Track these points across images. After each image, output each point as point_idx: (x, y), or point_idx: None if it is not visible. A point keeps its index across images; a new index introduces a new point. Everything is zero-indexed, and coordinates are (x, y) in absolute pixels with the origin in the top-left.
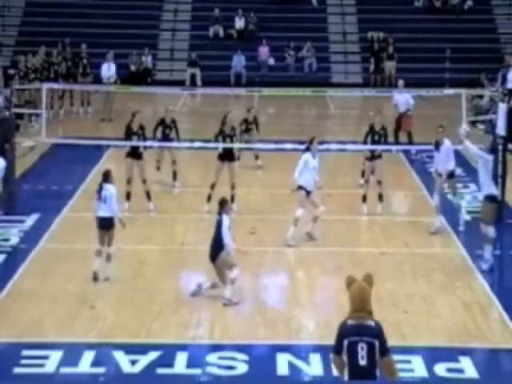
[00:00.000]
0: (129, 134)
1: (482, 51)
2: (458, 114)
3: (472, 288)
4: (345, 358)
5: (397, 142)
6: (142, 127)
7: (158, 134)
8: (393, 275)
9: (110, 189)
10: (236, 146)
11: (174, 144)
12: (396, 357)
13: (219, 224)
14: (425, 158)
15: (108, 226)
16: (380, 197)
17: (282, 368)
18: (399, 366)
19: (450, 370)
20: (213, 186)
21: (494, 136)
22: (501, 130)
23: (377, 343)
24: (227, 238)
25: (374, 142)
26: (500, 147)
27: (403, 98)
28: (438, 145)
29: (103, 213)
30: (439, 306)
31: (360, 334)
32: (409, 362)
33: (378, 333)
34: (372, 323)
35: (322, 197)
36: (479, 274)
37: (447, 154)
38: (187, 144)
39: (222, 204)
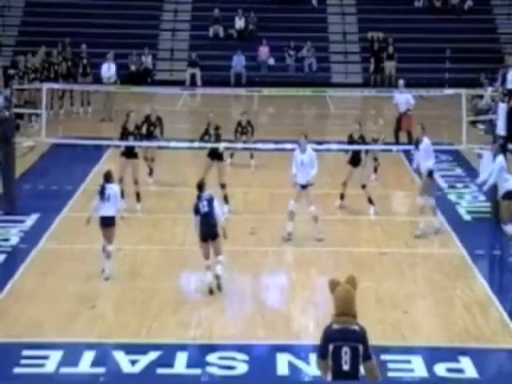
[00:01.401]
0: (125, 134)
1: (482, 51)
2: (458, 114)
3: (472, 288)
4: (329, 362)
5: (397, 142)
6: (137, 127)
7: (143, 130)
8: (393, 275)
9: (113, 187)
10: (236, 146)
11: (174, 144)
12: (396, 357)
13: (210, 203)
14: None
15: (109, 224)
16: (370, 200)
17: (282, 368)
18: (399, 365)
19: (449, 370)
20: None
21: (495, 136)
22: (501, 130)
23: (361, 348)
24: (221, 216)
25: (354, 152)
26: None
27: (403, 98)
28: (417, 143)
29: (105, 212)
30: (439, 306)
31: (344, 338)
32: (409, 362)
33: (362, 337)
34: (356, 328)
35: (322, 196)
36: (479, 274)
37: (426, 151)
38: (187, 144)
39: (202, 186)
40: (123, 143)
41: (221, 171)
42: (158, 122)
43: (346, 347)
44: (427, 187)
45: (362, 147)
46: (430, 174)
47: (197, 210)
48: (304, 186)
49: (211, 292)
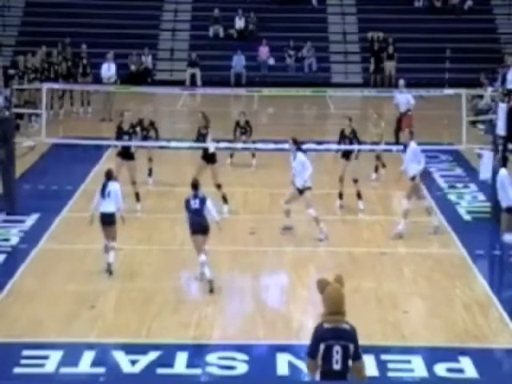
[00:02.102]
0: (119, 134)
1: (482, 51)
2: (458, 114)
3: (472, 288)
4: (319, 361)
5: (397, 142)
6: (132, 126)
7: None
8: (393, 275)
9: (114, 185)
10: (236, 146)
11: (174, 144)
12: (396, 357)
13: (203, 202)
14: (425, 157)
15: (110, 221)
16: (358, 195)
17: (282, 368)
18: (399, 365)
19: (449, 370)
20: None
21: (495, 136)
22: (501, 130)
23: (351, 347)
24: (216, 214)
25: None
26: (500, 147)
27: (404, 98)
28: (405, 147)
29: (105, 208)
30: (439, 306)
31: (336, 337)
32: (409, 362)
33: (353, 337)
34: (347, 327)
35: (322, 196)
36: (479, 274)
37: (414, 154)
38: (187, 144)
39: (196, 185)
40: (123, 143)
41: (214, 173)
42: (150, 126)
43: (337, 346)
44: (415, 190)
45: (355, 147)
46: (421, 176)
47: (188, 206)
48: (301, 191)
49: (211, 289)
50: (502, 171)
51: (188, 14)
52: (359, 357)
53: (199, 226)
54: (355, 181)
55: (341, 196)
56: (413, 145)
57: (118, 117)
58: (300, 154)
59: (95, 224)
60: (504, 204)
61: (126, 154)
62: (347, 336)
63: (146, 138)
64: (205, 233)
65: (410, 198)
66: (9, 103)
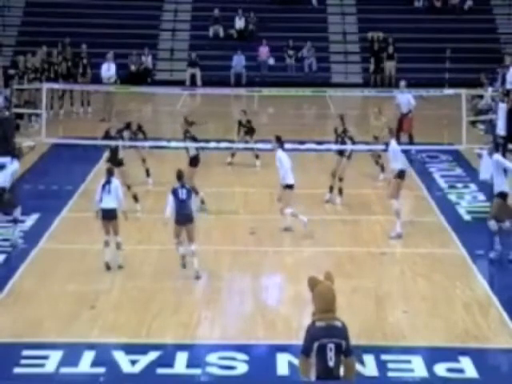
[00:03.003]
0: (107, 140)
1: (482, 51)
2: (458, 114)
3: (472, 288)
4: (313, 359)
5: (398, 143)
6: (119, 131)
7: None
8: (393, 275)
9: (115, 181)
10: (237, 146)
11: (174, 144)
12: (396, 357)
13: (190, 193)
14: (425, 157)
15: (111, 216)
16: (340, 191)
17: (282, 368)
18: (399, 365)
19: (449, 370)
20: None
21: (495, 136)
22: (501, 130)
23: (344, 344)
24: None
25: (340, 142)
26: (500, 147)
27: (405, 99)
28: (387, 146)
29: (107, 204)
30: (439, 305)
31: (329, 335)
32: (409, 362)
33: (344, 334)
34: (339, 324)
35: (321, 196)
36: (479, 274)
37: (394, 153)
38: (187, 144)
39: (181, 176)
40: (122, 143)
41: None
42: (138, 130)
43: (331, 344)
44: (398, 189)
45: (348, 147)
46: (400, 175)
47: (175, 195)
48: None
49: (184, 266)
50: (496, 156)
51: (188, 13)
52: (351, 353)
53: (185, 217)
54: (340, 179)
55: (331, 189)
56: (393, 144)
57: (124, 117)
58: (279, 152)
59: (96, 223)
60: (497, 189)
61: (114, 161)
62: (339, 333)
63: (132, 139)
64: (189, 221)
65: (396, 197)
66: (9, 103)
